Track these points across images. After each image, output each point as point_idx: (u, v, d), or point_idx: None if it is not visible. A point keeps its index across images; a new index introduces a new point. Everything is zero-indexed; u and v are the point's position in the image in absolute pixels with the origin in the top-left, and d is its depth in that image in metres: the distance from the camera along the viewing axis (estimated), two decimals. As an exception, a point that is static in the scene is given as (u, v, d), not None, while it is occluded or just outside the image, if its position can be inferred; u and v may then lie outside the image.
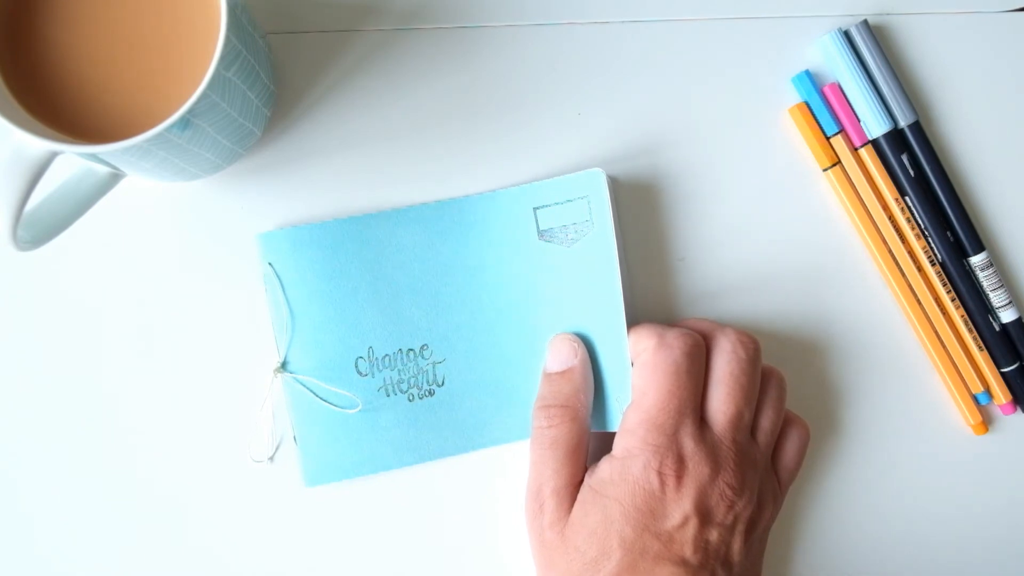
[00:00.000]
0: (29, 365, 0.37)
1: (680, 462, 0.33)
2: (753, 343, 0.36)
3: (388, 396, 0.38)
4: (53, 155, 0.29)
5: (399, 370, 0.38)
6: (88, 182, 0.33)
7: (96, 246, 0.37)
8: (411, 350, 0.38)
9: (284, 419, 0.38)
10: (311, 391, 0.37)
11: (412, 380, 0.38)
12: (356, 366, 0.37)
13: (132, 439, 0.38)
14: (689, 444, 0.34)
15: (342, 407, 0.37)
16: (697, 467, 0.34)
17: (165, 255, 0.38)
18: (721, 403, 0.35)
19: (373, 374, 0.38)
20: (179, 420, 0.38)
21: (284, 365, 0.37)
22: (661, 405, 0.34)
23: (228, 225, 0.38)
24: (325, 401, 0.37)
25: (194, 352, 0.38)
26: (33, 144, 0.28)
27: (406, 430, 0.38)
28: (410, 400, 0.38)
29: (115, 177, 0.33)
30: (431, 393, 0.38)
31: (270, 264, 0.37)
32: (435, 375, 0.38)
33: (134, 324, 0.38)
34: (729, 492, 0.34)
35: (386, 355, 0.38)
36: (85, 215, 0.33)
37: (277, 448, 0.38)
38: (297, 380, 0.37)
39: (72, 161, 0.31)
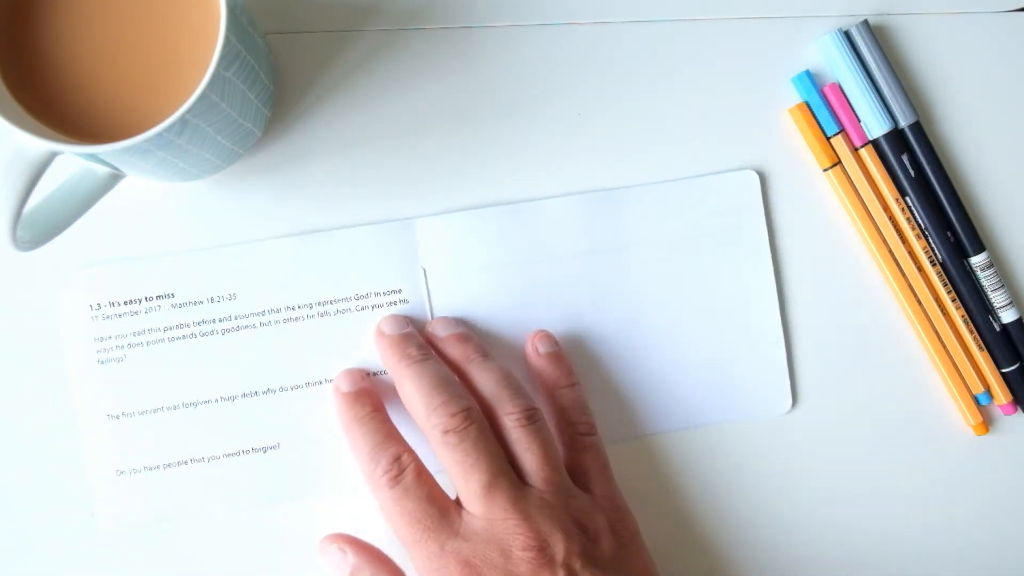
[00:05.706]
0: (29, 366, 0.37)
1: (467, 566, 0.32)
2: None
3: None
4: (53, 155, 0.29)
5: None
6: (88, 182, 0.33)
7: (95, 246, 0.37)
8: None
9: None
10: None
11: None
12: None
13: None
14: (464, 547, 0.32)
15: None
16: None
17: (164, 255, 0.38)
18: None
19: None
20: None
21: None
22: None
23: (228, 225, 0.38)
24: None
25: (194, 352, 0.38)
26: (33, 144, 0.28)
27: None
28: None
29: (115, 177, 0.33)
30: None
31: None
32: None
33: (134, 324, 0.38)
34: (529, 554, 0.32)
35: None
36: (85, 215, 0.33)
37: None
38: None
39: (72, 161, 0.31)
